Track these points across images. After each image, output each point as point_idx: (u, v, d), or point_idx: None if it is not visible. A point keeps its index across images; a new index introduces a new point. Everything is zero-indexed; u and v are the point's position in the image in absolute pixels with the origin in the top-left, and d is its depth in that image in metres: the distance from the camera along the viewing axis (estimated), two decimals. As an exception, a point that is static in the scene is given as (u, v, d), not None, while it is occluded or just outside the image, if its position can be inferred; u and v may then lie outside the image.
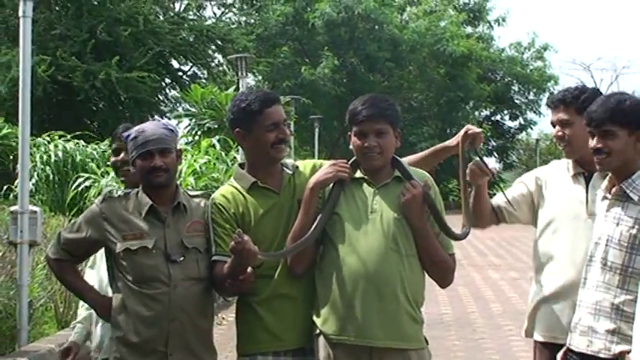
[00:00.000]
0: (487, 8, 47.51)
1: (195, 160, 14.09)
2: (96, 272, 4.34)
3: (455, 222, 3.96)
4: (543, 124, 57.35)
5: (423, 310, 3.76)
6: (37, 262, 8.51)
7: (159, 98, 26.45)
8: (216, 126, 18.88)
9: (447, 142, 4.23)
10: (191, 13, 29.38)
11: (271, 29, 39.21)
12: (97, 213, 3.84)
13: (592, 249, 3.50)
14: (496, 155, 49.97)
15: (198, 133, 19.31)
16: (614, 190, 3.47)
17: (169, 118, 23.65)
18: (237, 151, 14.60)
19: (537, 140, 52.05)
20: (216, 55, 28.76)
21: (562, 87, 4.17)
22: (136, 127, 3.87)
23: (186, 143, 18.45)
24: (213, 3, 32.97)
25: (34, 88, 14.32)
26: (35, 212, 7.78)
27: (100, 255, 4.15)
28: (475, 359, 8.66)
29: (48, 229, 9.78)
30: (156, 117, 23.57)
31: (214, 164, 14.47)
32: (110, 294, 3.89)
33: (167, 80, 26.93)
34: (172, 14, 27.51)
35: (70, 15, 23.71)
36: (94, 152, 15.23)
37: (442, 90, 43.11)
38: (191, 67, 28.39)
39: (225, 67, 28.93)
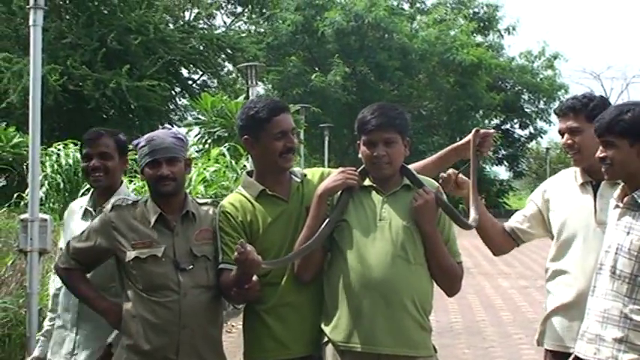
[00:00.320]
0: (497, 17, 47.41)
1: (205, 169, 14.10)
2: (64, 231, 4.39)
3: (463, 232, 3.96)
4: (553, 132, 57.10)
5: (432, 318, 3.77)
6: (47, 270, 8.51)
7: (169, 107, 26.53)
8: (226, 134, 18.88)
9: (457, 144, 4.25)
10: (201, 22, 29.51)
11: (281, 38, 39.25)
12: (106, 222, 3.85)
13: (602, 257, 3.50)
14: (506, 164, 49.89)
15: (208, 141, 19.33)
16: (626, 199, 3.46)
17: (179, 127, 23.70)
18: (248, 159, 14.61)
19: (547, 149, 51.94)
20: (226, 63, 28.90)
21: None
22: (146, 136, 3.89)
23: (197, 151, 18.48)
24: (223, 12, 33.11)
25: (45, 96, 14.38)
26: (45, 220, 7.78)
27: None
28: (485, 368, 8.64)
29: (58, 238, 9.79)
30: (166, 125, 23.56)
31: (224, 172, 14.48)
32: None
33: (177, 89, 27.01)
34: (182, 23, 27.61)
35: (81, 24, 23.80)
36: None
37: (452, 99, 43.02)
38: (201, 75, 28.49)
39: (235, 75, 28.98)
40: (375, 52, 40.66)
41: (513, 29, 47.52)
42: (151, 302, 3.72)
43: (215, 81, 28.89)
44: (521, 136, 50.53)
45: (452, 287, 3.82)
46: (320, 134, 33.19)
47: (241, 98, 20.63)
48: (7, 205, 12.84)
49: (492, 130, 4.20)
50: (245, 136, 3.85)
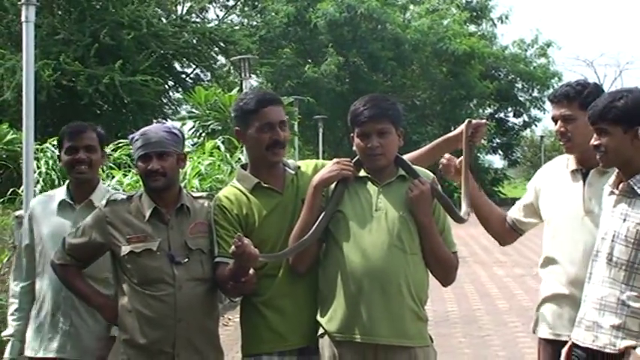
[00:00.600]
0: (490, 6, 47.43)
1: (199, 162, 14.07)
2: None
3: (457, 224, 3.97)
4: (547, 120, 57.18)
5: (428, 307, 3.77)
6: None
7: (162, 101, 26.46)
8: (220, 127, 18.83)
9: (449, 135, 4.25)
10: (194, 15, 29.45)
11: (274, 30, 39.19)
12: (100, 217, 3.86)
13: (598, 244, 3.50)
14: (500, 152, 49.92)
15: (203, 134, 19.28)
16: (621, 186, 3.46)
17: (173, 121, 23.67)
18: (242, 152, 14.59)
19: (542, 137, 51.92)
20: (219, 57, 28.83)
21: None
22: (140, 130, 3.91)
23: (191, 145, 18.44)
24: (215, 5, 33.05)
25: (38, 93, 14.33)
26: (40, 217, 7.78)
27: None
28: (481, 356, 8.65)
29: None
30: (160, 119, 23.53)
31: (219, 166, 14.45)
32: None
33: (170, 83, 26.94)
34: (175, 17, 27.53)
35: (73, 19, 23.74)
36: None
37: (445, 88, 43.01)
38: (194, 69, 28.44)
39: (228, 68, 28.94)
40: (367, 43, 40.61)
41: (506, 18, 47.54)
42: (147, 296, 3.73)
43: (208, 74, 28.84)
44: (516, 125, 50.56)
45: (447, 277, 3.83)
46: (314, 126, 33.16)
47: (235, 91, 20.56)
48: (1, 201, 12.80)
49: (484, 121, 4.20)
50: (236, 127, 3.88)
